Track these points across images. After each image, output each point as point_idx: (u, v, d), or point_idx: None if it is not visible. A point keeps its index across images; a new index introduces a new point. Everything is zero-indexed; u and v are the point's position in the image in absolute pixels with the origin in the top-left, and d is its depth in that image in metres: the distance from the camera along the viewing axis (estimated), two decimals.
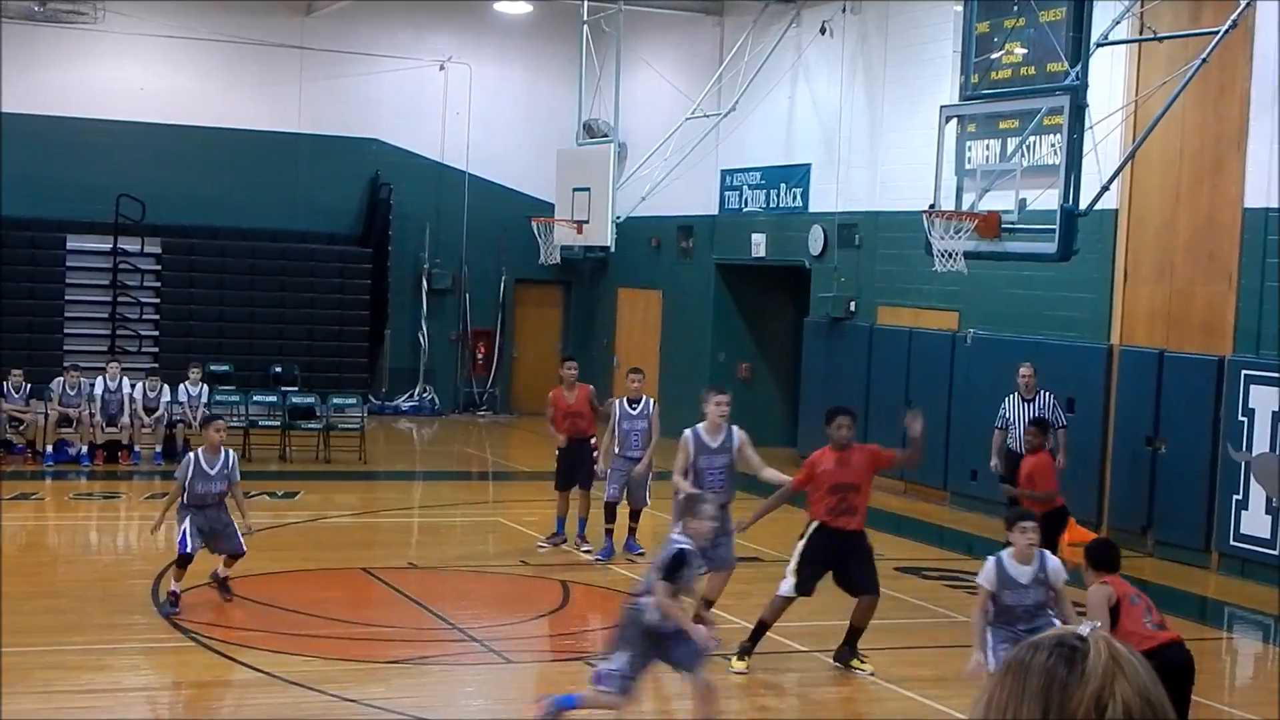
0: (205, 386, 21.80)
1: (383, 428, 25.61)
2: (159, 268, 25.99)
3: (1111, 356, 17.33)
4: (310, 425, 22.42)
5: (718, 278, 25.27)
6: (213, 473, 12.25)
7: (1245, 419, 15.46)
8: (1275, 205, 15.35)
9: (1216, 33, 14.49)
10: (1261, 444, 15.26)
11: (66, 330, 25.34)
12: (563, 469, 15.80)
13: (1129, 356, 17.10)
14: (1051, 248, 14.74)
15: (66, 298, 25.47)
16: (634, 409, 15.33)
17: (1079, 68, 14.59)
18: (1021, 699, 2.01)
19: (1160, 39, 15.52)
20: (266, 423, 22.40)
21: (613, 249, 23.31)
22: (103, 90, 25.86)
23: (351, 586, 14.06)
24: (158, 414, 21.06)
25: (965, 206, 15.71)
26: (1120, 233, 17.27)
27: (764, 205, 24.00)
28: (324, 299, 26.57)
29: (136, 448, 20.91)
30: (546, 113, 27.17)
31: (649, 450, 15.27)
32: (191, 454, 12.42)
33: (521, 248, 26.18)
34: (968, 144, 16.89)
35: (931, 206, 15.93)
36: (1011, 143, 16.56)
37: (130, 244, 25.45)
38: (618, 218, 22.32)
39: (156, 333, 25.77)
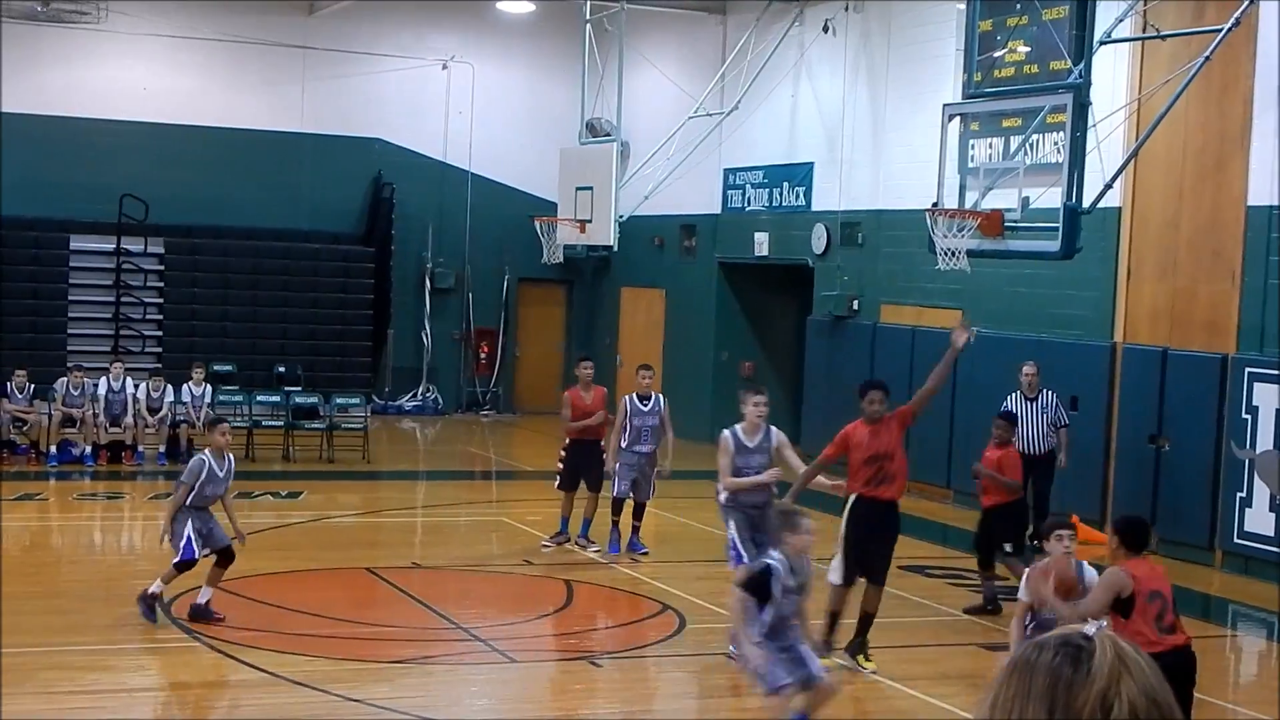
0: (209, 386, 21.81)
1: (386, 427, 25.62)
2: (162, 268, 25.99)
3: (1115, 355, 17.33)
4: (313, 425, 22.42)
5: (720, 277, 25.27)
6: (220, 475, 12.15)
7: (1249, 417, 15.46)
8: (1278, 203, 15.35)
9: (1219, 30, 14.48)
10: (1265, 441, 15.26)
11: (70, 330, 25.34)
12: (569, 469, 15.78)
13: (1132, 355, 17.09)
14: (1054, 246, 14.73)
15: (70, 298, 25.47)
16: (645, 405, 15.41)
17: (1082, 66, 14.58)
18: (1027, 699, 2.01)
19: (1163, 37, 15.50)
20: (270, 423, 22.42)
21: (615, 248, 23.32)
22: (106, 90, 25.87)
23: (355, 586, 14.06)
24: (161, 414, 21.07)
25: (968, 205, 15.70)
26: (1123, 231, 17.27)
27: (767, 204, 24.00)
28: (327, 298, 26.58)
29: (140, 448, 20.92)
30: (549, 112, 27.16)
31: (667, 450, 15.41)
32: (201, 457, 12.26)
33: (524, 247, 26.19)
34: (970, 142, 16.87)
35: (934, 205, 15.92)
36: (1014, 141, 16.55)
37: (133, 244, 25.45)
38: (620, 217, 22.33)
39: (160, 333, 25.77)
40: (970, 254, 15.53)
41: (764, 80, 23.14)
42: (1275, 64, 15.22)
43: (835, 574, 11.35)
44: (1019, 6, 15.56)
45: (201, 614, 11.99)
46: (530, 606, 13.61)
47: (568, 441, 15.83)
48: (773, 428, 12.13)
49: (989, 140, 17.27)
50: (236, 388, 23.44)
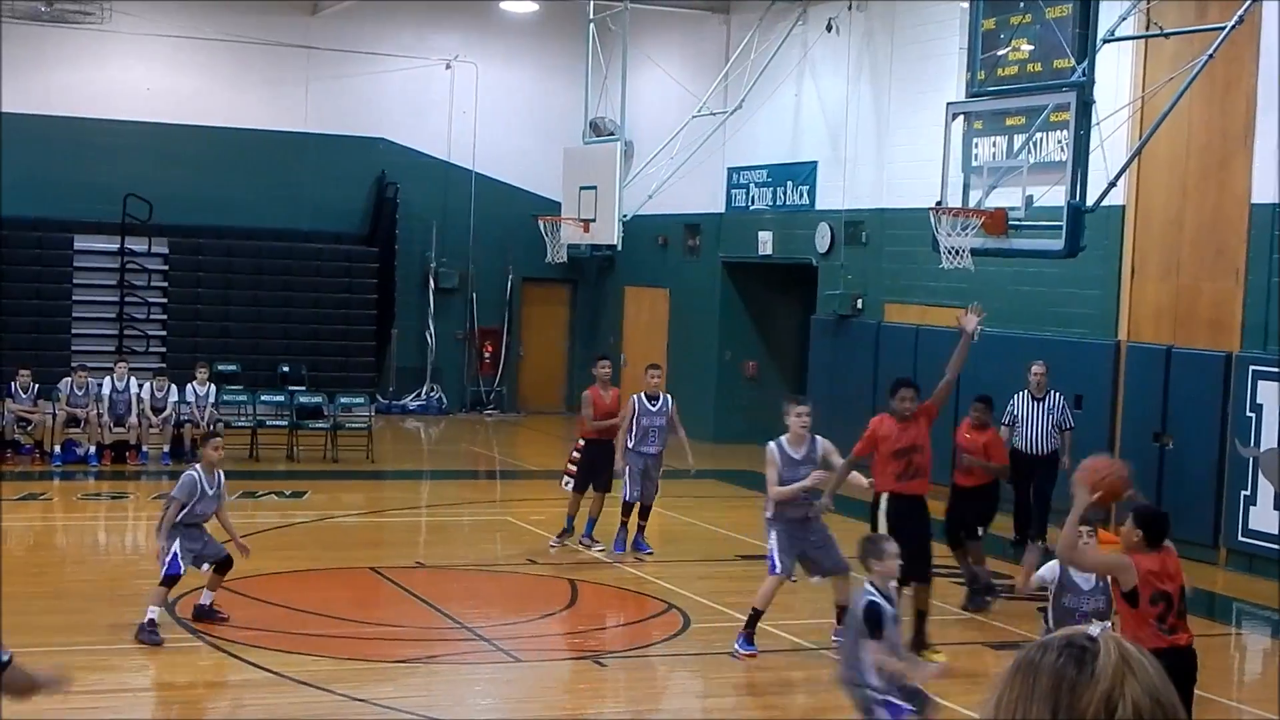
0: (213, 386, 21.84)
1: (390, 427, 25.63)
2: (166, 268, 25.99)
3: (1119, 353, 17.32)
4: (317, 425, 22.44)
5: (724, 276, 25.27)
6: (211, 493, 11.87)
7: (1253, 415, 15.45)
8: None
9: (1223, 29, 14.46)
10: (1269, 439, 15.24)
11: (74, 330, 25.34)
12: (584, 469, 15.61)
13: (1136, 353, 17.08)
14: (1058, 244, 14.72)
15: (74, 298, 25.47)
16: (653, 405, 15.40)
17: (1085, 64, 14.57)
18: (1031, 699, 2.00)
19: (1166, 35, 15.49)
20: (274, 422, 22.44)
21: (619, 247, 23.30)
22: (109, 90, 25.88)
23: (359, 586, 14.06)
24: (165, 414, 21.08)
25: (972, 203, 15.69)
26: (1127, 229, 17.26)
27: (770, 203, 24.00)
28: (331, 298, 26.58)
29: (144, 448, 20.95)
30: (553, 111, 27.15)
31: (687, 451, 15.42)
32: (192, 474, 11.88)
33: (528, 246, 26.20)
34: (974, 141, 16.85)
35: (938, 203, 15.92)
36: (1018, 139, 16.53)
37: (137, 244, 25.46)
38: (624, 216, 22.33)
39: (164, 333, 25.77)
40: (974, 253, 15.52)
41: (767, 79, 23.13)
42: (1278, 62, 15.21)
43: None
44: (1022, 5, 15.55)
45: (206, 614, 11.99)
46: (534, 606, 13.61)
47: (582, 442, 15.79)
48: (818, 437, 11.81)
49: (992, 139, 17.25)
50: (241, 387, 23.45)
